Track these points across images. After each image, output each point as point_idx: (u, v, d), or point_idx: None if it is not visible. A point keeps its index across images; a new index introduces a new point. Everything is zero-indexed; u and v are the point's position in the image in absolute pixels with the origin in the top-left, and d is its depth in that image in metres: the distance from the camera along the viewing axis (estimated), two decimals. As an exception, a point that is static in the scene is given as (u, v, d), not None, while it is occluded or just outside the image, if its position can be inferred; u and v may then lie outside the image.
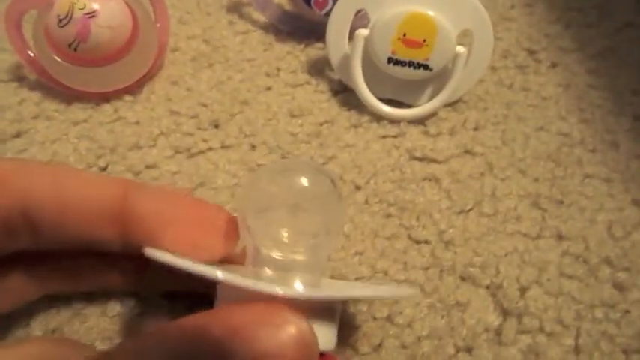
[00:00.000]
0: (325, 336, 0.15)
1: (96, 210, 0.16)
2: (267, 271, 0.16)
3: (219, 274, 0.14)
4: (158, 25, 0.28)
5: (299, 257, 0.17)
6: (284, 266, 0.16)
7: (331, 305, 0.16)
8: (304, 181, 0.16)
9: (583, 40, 0.33)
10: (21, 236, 0.16)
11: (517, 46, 0.32)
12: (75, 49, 0.25)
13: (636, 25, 0.35)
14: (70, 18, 0.24)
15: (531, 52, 0.32)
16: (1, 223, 0.16)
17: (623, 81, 0.31)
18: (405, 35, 0.25)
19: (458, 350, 0.19)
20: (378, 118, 0.27)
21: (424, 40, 0.25)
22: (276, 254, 0.16)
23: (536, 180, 0.25)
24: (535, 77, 0.30)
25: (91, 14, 0.25)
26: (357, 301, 0.20)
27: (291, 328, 0.13)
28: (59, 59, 0.25)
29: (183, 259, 0.14)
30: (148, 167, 0.24)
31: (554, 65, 0.31)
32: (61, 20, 0.25)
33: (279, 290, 0.13)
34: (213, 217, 0.17)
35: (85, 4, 0.25)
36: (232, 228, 0.17)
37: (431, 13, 0.25)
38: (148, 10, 0.27)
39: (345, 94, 0.28)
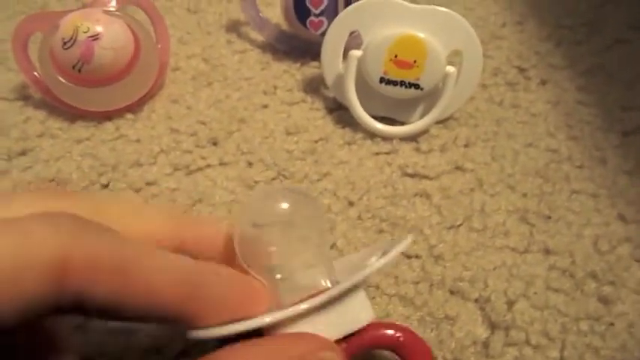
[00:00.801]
0: (364, 310, 0.17)
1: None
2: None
3: (266, 319, 0.15)
4: (159, 45, 0.29)
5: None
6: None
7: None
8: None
9: (573, 57, 0.34)
10: None
11: (507, 63, 0.33)
12: (79, 70, 0.26)
13: (626, 42, 0.36)
14: (75, 41, 0.25)
15: (521, 70, 0.33)
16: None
17: (612, 97, 0.31)
18: (396, 56, 0.26)
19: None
20: (372, 135, 0.28)
21: (415, 61, 0.26)
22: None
23: (524, 195, 0.26)
24: (525, 94, 0.31)
25: (95, 37, 0.26)
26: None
27: None
28: (63, 80, 0.26)
29: (227, 326, 0.15)
30: (148, 184, 0.25)
31: (544, 82, 0.32)
32: (65, 43, 0.26)
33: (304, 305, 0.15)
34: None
35: (88, 28, 0.26)
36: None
37: (421, 35, 0.26)
38: (150, 31, 0.28)
39: (339, 112, 0.29)
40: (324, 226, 0.19)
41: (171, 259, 0.14)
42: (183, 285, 0.14)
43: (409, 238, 0.18)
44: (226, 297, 0.15)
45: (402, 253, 0.23)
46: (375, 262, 0.17)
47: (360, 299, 0.17)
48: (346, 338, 0.17)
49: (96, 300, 0.13)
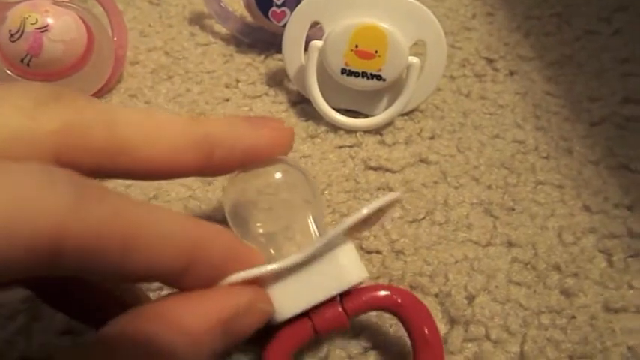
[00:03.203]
0: (355, 267, 0.17)
1: None
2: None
3: (241, 274, 0.15)
4: (115, 38, 0.28)
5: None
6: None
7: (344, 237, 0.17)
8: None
9: (542, 48, 0.34)
10: None
11: (476, 55, 0.33)
12: (28, 64, 0.25)
13: (595, 34, 0.35)
14: (22, 33, 0.24)
15: (490, 61, 0.32)
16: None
17: (580, 88, 0.31)
18: (357, 47, 0.25)
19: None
20: (335, 128, 0.27)
21: (376, 52, 0.25)
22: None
23: (489, 187, 0.25)
24: (493, 85, 0.31)
25: (43, 29, 0.25)
26: None
27: None
28: (12, 74, 0.25)
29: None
30: (100, 180, 0.24)
31: (512, 73, 0.32)
32: (12, 35, 0.25)
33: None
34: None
35: (37, 19, 0.25)
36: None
37: (382, 24, 0.25)
38: (105, 23, 0.27)
39: (302, 105, 0.28)
40: (314, 193, 0.19)
41: (173, 225, 0.14)
42: (183, 253, 0.14)
43: (398, 193, 0.18)
44: (225, 262, 0.15)
45: (363, 249, 0.23)
46: (359, 212, 0.16)
47: (349, 256, 0.17)
48: (342, 299, 0.17)
49: (91, 271, 0.12)
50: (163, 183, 0.25)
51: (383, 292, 0.18)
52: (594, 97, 0.31)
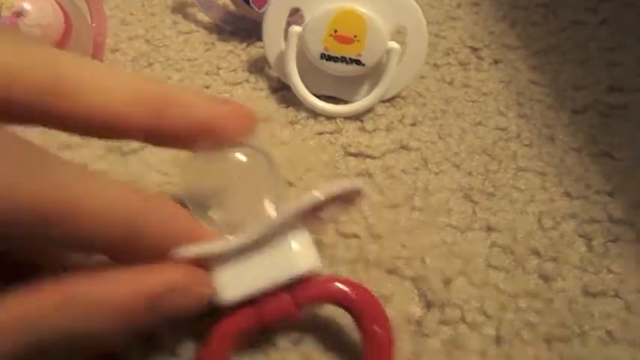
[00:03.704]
0: (306, 255, 0.16)
1: None
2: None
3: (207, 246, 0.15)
4: (93, 25, 0.28)
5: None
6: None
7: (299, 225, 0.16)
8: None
9: (528, 37, 0.34)
10: None
11: (460, 43, 0.32)
12: (3, 49, 0.25)
13: (581, 24, 0.35)
14: (-3, 17, 0.24)
15: (474, 50, 0.32)
16: None
17: (565, 77, 0.31)
18: (336, 31, 0.25)
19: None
20: (316, 115, 0.27)
21: (355, 36, 0.25)
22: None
23: (469, 173, 0.25)
24: (477, 74, 0.31)
25: (19, 13, 0.24)
26: None
27: None
28: (-12, 59, 0.25)
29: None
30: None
31: (496, 62, 0.32)
32: (-12, 19, 0.24)
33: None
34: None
35: (13, 4, 0.24)
36: None
37: (361, 9, 0.25)
38: (84, 10, 0.27)
39: (283, 91, 0.28)
40: (276, 180, 0.18)
41: (114, 196, 0.13)
42: (123, 223, 0.13)
43: (359, 183, 0.17)
44: (170, 238, 0.15)
45: (340, 233, 0.22)
46: (312, 197, 0.15)
47: (302, 244, 0.16)
48: (292, 288, 0.16)
49: (29, 240, 0.13)
50: (138, 169, 0.24)
51: (337, 286, 0.17)
52: (579, 85, 0.30)
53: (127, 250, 0.14)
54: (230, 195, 0.17)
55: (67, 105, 0.14)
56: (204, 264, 0.16)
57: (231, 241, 0.15)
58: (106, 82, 0.15)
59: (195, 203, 0.17)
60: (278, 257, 0.16)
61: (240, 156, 0.17)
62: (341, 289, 0.17)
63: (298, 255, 0.16)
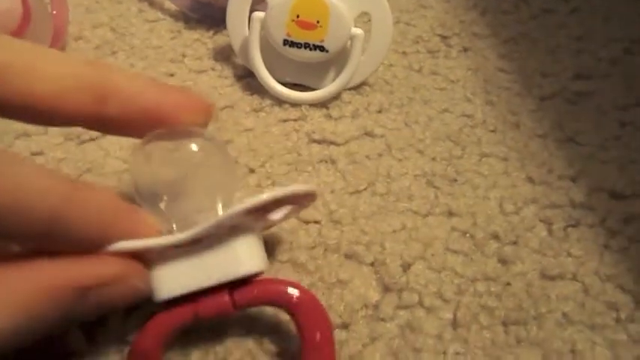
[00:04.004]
0: (252, 256, 0.16)
1: None
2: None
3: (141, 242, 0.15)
4: (54, 12, 0.27)
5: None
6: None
7: (247, 225, 0.16)
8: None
9: (498, 26, 0.34)
10: None
11: (430, 31, 0.32)
12: (-42, 35, 0.24)
13: (552, 12, 0.35)
14: (-50, 2, 0.24)
15: (444, 38, 0.32)
16: None
17: (533, 65, 0.31)
18: (298, 17, 0.25)
19: (334, 327, 0.19)
20: (280, 102, 0.27)
21: (317, 22, 0.25)
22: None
23: (433, 159, 0.25)
24: (445, 61, 0.31)
25: (-26, -2, 0.24)
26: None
27: None
28: (-57, 46, 0.25)
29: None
30: (33, 154, 0.24)
31: (465, 50, 0.32)
32: (-60, 5, 0.24)
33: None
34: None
35: (-33, -12, 0.24)
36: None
37: (323, -7, 0.25)
38: (44, -4, 0.27)
39: (248, 79, 0.28)
40: (229, 172, 0.18)
41: (37, 188, 0.13)
42: (47, 210, 0.13)
43: (310, 185, 0.17)
44: (104, 227, 0.14)
45: (300, 219, 0.22)
46: (258, 197, 0.15)
47: (247, 245, 0.16)
48: (233, 288, 0.16)
49: None
50: (97, 156, 0.24)
51: (278, 288, 0.16)
52: (546, 72, 0.30)
53: (53, 242, 0.13)
54: (181, 187, 0.17)
55: (12, 92, 0.14)
56: (144, 259, 0.15)
57: (167, 237, 0.15)
58: (53, 69, 0.15)
59: (145, 194, 0.17)
60: (220, 257, 0.15)
61: (194, 147, 0.17)
62: (283, 293, 0.16)
63: (241, 256, 0.16)
